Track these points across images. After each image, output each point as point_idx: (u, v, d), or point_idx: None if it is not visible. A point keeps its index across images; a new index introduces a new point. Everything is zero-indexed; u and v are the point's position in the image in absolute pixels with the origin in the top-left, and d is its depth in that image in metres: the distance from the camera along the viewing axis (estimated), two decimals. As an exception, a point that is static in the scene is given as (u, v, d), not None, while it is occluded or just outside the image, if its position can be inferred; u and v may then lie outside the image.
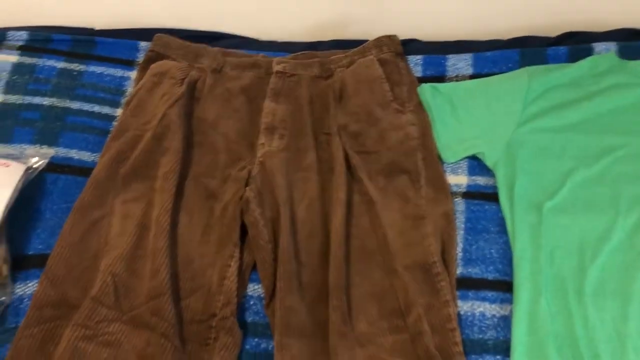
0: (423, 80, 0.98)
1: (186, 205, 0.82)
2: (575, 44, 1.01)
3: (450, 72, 1.00)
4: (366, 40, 1.03)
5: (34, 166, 0.83)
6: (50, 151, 0.88)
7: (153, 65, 0.97)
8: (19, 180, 0.79)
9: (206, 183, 0.85)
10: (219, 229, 0.80)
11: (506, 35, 1.08)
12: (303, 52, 1.04)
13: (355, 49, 1.01)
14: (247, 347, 0.72)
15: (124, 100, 0.98)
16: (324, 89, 0.96)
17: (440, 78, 0.99)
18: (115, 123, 0.94)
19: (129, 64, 1.03)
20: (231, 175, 0.85)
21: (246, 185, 0.83)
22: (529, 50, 1.02)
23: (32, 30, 1.06)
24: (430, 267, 0.75)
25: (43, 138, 0.91)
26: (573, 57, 0.98)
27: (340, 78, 0.96)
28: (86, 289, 0.73)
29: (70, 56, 1.03)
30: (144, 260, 0.75)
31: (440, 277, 0.74)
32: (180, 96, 0.91)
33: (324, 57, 1.00)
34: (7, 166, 0.81)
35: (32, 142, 0.90)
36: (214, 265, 0.77)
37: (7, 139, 0.90)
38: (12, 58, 1.01)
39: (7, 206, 0.75)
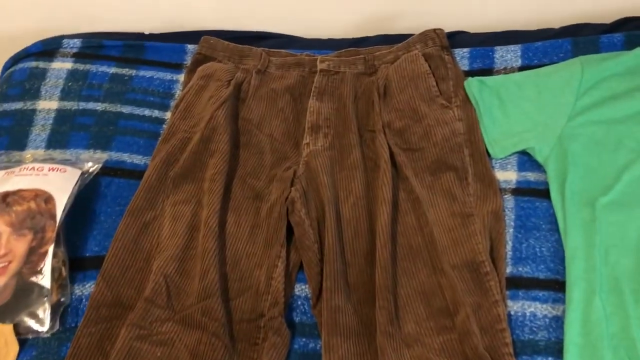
0: (470, 73, 0.97)
1: (233, 205, 0.84)
2: (631, 30, 0.97)
3: (498, 65, 0.98)
4: (412, 35, 1.02)
5: (89, 171, 0.86)
6: (103, 155, 0.91)
7: (200, 68, 0.99)
8: (75, 185, 0.82)
9: (252, 184, 0.87)
10: (265, 229, 0.81)
11: (558, 24, 1.05)
12: (347, 49, 1.03)
13: (400, 44, 1.00)
14: (296, 346, 0.73)
15: (172, 104, 1.00)
16: (368, 85, 0.96)
17: (488, 71, 0.98)
18: (164, 126, 0.97)
19: (177, 67, 1.06)
20: (277, 176, 0.86)
21: (292, 185, 0.84)
22: (581, 38, 0.98)
23: (86, 37, 1.10)
24: (478, 266, 0.74)
25: (97, 142, 0.94)
26: (630, 45, 0.94)
27: (385, 74, 0.95)
28: (140, 290, 0.75)
29: (121, 61, 1.06)
30: (194, 261, 0.78)
31: (489, 277, 0.73)
32: (226, 98, 0.93)
33: (368, 54, 1.00)
34: (64, 172, 0.84)
35: (87, 146, 0.94)
36: (262, 266, 0.78)
37: (64, 145, 0.94)
38: (67, 65, 1.05)
39: (64, 211, 0.78)
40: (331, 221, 0.79)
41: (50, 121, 0.97)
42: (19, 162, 0.87)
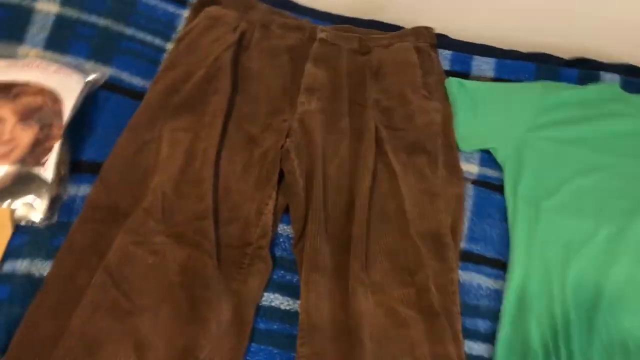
0: (449, 73, 1.07)
1: (228, 144, 0.89)
2: (585, 69, 1.12)
3: (475, 72, 1.10)
4: (397, 25, 1.11)
5: (94, 80, 0.87)
6: (106, 69, 0.93)
7: (207, 9, 1.02)
8: (82, 91, 0.84)
9: (247, 128, 0.92)
10: (257, 171, 0.87)
11: (524, 49, 1.19)
12: (344, 25, 1.11)
13: (394, 33, 1.09)
14: (275, 277, 0.80)
15: (175, 36, 1.03)
16: (361, 63, 1.04)
17: (465, 75, 1.09)
18: (165, 55, 0.99)
19: (181, 2, 1.08)
20: (272, 125, 0.92)
21: (287, 136, 0.91)
22: (544, 66, 1.12)
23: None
24: (440, 236, 0.85)
25: (97, 55, 0.95)
26: (582, 81, 1.08)
27: (378, 56, 1.04)
28: (135, 201, 0.79)
29: (126, -17, 1.07)
30: (190, 185, 0.82)
31: (448, 247, 0.84)
32: (232, 43, 0.97)
33: (363, 34, 1.08)
34: (69, 75, 0.85)
35: (87, 57, 0.94)
36: (253, 201, 0.84)
37: (63, 50, 0.93)
38: (69, -28, 1.04)
39: (72, 109, 0.80)
40: (319, 175, 0.87)
41: (50, 23, 0.96)
42: (22, 57, 0.86)
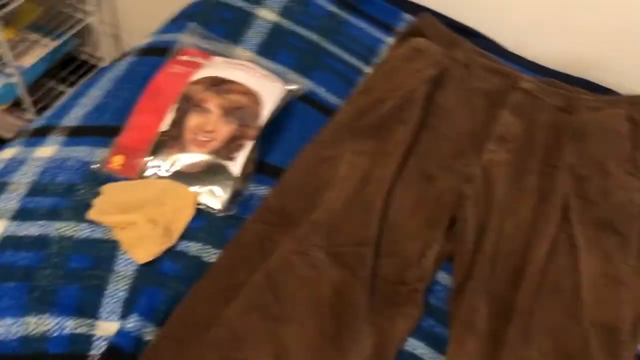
0: (664, 153, 0.96)
1: (404, 177, 0.87)
2: None
3: (695, 157, 0.97)
4: (607, 88, 1.02)
5: (294, 90, 0.91)
6: (306, 82, 0.96)
7: (413, 40, 1.02)
8: (282, 98, 0.88)
9: (427, 165, 0.90)
10: (428, 211, 0.85)
11: None
12: (549, 79, 1.04)
13: (607, 97, 1.00)
14: (423, 324, 0.76)
15: (376, 61, 1.04)
16: (562, 122, 0.97)
17: (682, 158, 0.97)
18: (363, 78, 1.01)
19: (387, 28, 1.10)
20: (453, 168, 0.89)
21: (467, 181, 0.87)
22: None
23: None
24: (617, 331, 0.75)
25: (300, 67, 0.99)
26: None
27: (583, 119, 0.96)
28: (306, 212, 0.80)
29: (340, 3, 1.11)
30: (359, 209, 0.82)
31: (624, 345, 0.75)
32: (430, 77, 0.96)
33: (570, 92, 1.01)
34: (275, 82, 0.90)
35: (292, 66, 0.99)
36: (417, 240, 0.81)
37: (271, 57, 0.99)
38: (293, -13, 1.10)
39: (270, 114, 0.84)
40: (493, 231, 0.82)
41: (265, 30, 1.03)
42: (236, 57, 0.93)
